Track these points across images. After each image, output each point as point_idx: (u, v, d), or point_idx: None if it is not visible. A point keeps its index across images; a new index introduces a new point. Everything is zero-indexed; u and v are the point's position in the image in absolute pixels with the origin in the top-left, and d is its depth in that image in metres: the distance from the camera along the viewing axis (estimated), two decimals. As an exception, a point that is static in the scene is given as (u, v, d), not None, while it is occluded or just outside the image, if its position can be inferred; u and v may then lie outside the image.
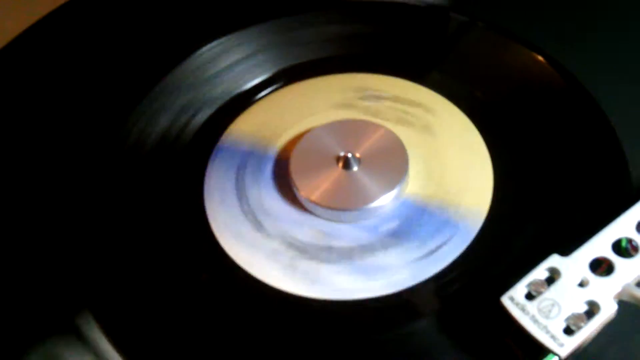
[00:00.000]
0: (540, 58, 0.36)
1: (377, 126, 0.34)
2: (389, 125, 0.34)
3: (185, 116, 0.36)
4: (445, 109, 0.36)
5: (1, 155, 0.35)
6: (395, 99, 0.36)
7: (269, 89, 0.38)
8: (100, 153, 0.34)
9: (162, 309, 0.29)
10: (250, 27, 0.39)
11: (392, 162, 0.33)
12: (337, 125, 0.34)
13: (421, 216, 0.32)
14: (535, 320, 0.25)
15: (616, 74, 0.35)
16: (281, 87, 0.38)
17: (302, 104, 0.37)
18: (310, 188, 0.32)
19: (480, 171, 0.33)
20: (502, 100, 0.36)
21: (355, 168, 0.33)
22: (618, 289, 0.26)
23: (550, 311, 0.26)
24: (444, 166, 0.33)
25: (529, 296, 0.26)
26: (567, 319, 0.25)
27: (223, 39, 0.38)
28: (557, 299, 0.26)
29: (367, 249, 0.31)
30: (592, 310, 0.26)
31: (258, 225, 0.32)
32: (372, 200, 0.31)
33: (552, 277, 0.27)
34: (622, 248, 0.27)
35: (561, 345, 0.25)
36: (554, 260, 0.27)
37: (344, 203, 0.32)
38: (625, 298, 0.26)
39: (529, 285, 0.26)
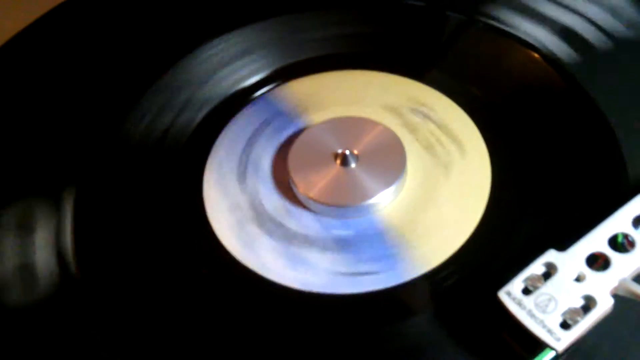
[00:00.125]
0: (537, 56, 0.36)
1: (376, 124, 0.34)
2: (416, 146, 0.34)
3: (184, 114, 0.36)
4: (479, 154, 0.34)
5: (1, 154, 0.35)
6: (440, 126, 0.35)
7: (268, 87, 0.38)
8: (100, 149, 0.35)
9: (161, 302, 0.29)
10: (249, 25, 0.39)
11: (390, 159, 0.33)
12: (336, 123, 0.35)
13: (375, 239, 0.31)
14: (532, 315, 0.25)
15: (615, 72, 0.35)
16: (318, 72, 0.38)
17: (357, 90, 0.37)
18: (308, 185, 0.32)
19: (462, 227, 0.31)
20: (502, 99, 0.36)
21: (353, 165, 0.33)
22: (614, 284, 0.26)
23: (547, 306, 0.26)
24: (433, 207, 0.32)
25: (526, 291, 0.26)
26: (563, 314, 0.25)
27: (222, 37, 0.39)
28: (554, 294, 0.26)
29: (308, 241, 0.31)
30: (588, 304, 0.26)
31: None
32: (369, 197, 0.32)
33: (549, 272, 0.27)
34: (619, 243, 0.28)
35: (558, 339, 0.25)
36: (551, 255, 0.27)
37: (342, 199, 0.32)
38: (621, 293, 0.26)
39: (526, 280, 0.26)
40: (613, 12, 0.37)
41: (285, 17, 0.39)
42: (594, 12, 0.38)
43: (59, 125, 0.36)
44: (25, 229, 0.32)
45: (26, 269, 0.30)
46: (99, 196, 0.33)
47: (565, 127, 0.34)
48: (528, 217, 0.31)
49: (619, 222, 0.28)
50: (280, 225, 0.32)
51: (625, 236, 0.28)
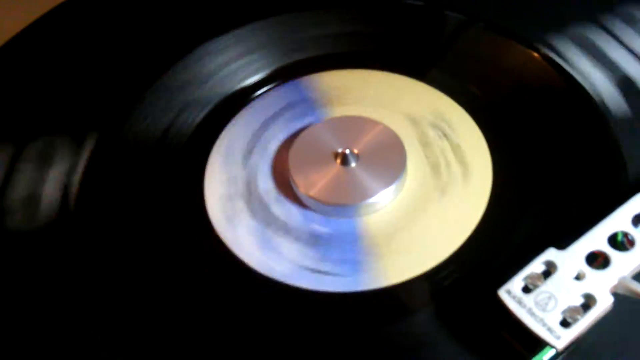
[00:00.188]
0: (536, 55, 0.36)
1: (376, 123, 0.34)
2: (423, 163, 0.33)
3: (184, 114, 0.36)
4: (484, 176, 0.33)
5: (1, 154, 0.35)
6: (456, 148, 0.34)
7: (267, 87, 0.38)
8: (101, 149, 0.35)
9: (162, 301, 0.30)
10: (248, 25, 0.39)
11: (390, 158, 0.33)
12: (336, 122, 0.35)
13: (348, 242, 0.31)
14: (532, 313, 0.26)
15: (613, 70, 0.35)
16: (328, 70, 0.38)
17: (385, 93, 0.36)
18: (309, 184, 0.32)
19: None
20: (501, 98, 0.36)
21: (353, 164, 0.33)
22: (614, 282, 0.26)
23: (546, 304, 0.26)
24: (415, 226, 0.31)
25: (526, 289, 0.26)
26: (563, 312, 0.26)
27: (221, 37, 0.39)
28: (554, 292, 0.26)
29: (285, 228, 0.32)
30: (588, 303, 0.26)
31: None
32: (369, 196, 0.32)
33: (549, 271, 0.27)
34: (618, 242, 0.28)
35: (558, 337, 0.25)
36: (551, 254, 0.27)
37: (342, 199, 0.32)
38: (621, 291, 0.26)
39: (526, 278, 0.26)
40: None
41: (285, 16, 0.39)
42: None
43: (57, 126, 0.36)
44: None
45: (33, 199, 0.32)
46: (98, 198, 0.33)
47: (565, 126, 0.34)
48: (528, 216, 0.31)
49: (618, 220, 0.28)
50: (265, 208, 0.32)
51: (625, 235, 0.28)
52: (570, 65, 0.36)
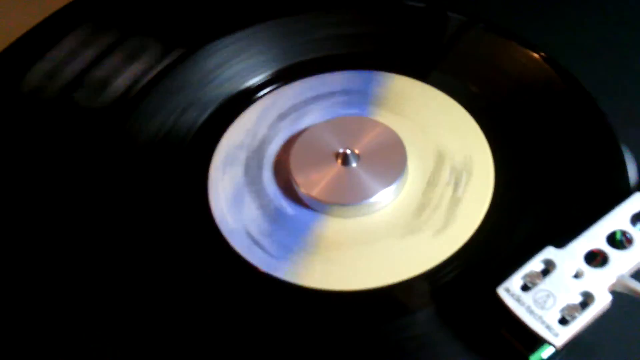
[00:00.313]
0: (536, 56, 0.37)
1: (376, 123, 0.35)
2: (417, 197, 0.33)
3: (188, 114, 0.37)
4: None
5: (3, 154, 0.35)
6: (454, 201, 0.32)
7: (269, 88, 0.38)
8: (101, 149, 0.35)
9: (163, 301, 0.30)
10: (252, 27, 0.39)
11: (391, 158, 0.33)
12: (337, 122, 0.35)
13: (298, 230, 0.32)
14: (530, 311, 0.26)
15: (612, 70, 0.36)
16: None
17: (436, 113, 0.36)
18: (310, 184, 0.32)
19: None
20: (502, 99, 0.36)
21: (354, 164, 0.33)
22: (612, 280, 0.26)
23: (545, 302, 0.26)
24: (362, 254, 0.31)
25: (525, 287, 0.26)
26: (562, 310, 0.26)
27: (225, 38, 0.39)
28: (553, 290, 0.26)
29: (257, 192, 0.33)
30: (586, 301, 0.26)
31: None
32: (370, 195, 0.32)
33: (548, 269, 0.27)
34: (617, 240, 0.28)
35: (556, 335, 0.25)
36: (550, 252, 0.27)
37: (343, 198, 0.32)
38: (619, 289, 0.27)
39: (525, 276, 0.27)
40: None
41: (287, 18, 0.40)
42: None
43: (60, 127, 0.36)
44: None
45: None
46: (99, 198, 0.33)
47: (565, 126, 0.34)
48: (528, 215, 0.31)
49: (617, 219, 0.28)
50: (257, 169, 0.34)
51: (624, 233, 0.28)
52: (570, 65, 0.36)
